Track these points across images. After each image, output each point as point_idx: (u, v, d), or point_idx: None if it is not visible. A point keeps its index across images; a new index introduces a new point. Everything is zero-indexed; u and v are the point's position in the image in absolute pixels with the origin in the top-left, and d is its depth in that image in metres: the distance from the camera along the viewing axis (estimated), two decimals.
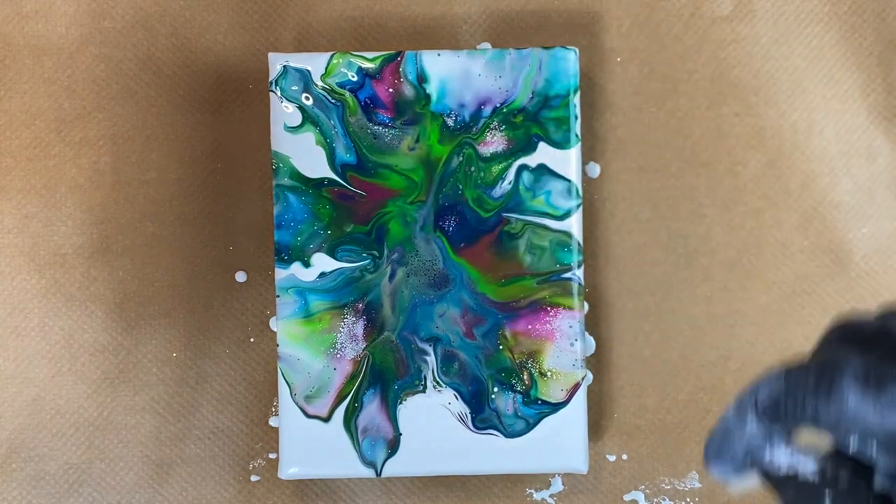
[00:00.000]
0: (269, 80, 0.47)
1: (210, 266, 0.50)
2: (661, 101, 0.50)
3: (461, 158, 0.47)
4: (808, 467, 0.28)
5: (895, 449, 0.25)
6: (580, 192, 0.47)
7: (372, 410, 0.47)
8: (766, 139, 0.50)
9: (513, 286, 0.47)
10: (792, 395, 0.26)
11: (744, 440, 0.28)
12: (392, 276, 0.47)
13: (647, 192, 0.50)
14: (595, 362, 0.50)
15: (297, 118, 0.47)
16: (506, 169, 0.47)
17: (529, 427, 0.47)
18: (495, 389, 0.47)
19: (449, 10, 0.50)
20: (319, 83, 0.47)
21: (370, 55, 0.47)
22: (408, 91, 0.47)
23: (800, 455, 0.28)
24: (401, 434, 0.47)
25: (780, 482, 0.28)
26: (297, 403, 0.46)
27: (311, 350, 0.47)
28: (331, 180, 0.47)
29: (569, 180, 0.47)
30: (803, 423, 0.27)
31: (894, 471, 0.26)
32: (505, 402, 0.47)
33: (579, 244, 0.47)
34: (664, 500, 0.49)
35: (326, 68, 0.47)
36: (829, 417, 0.26)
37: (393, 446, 0.47)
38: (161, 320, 0.50)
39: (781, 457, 0.28)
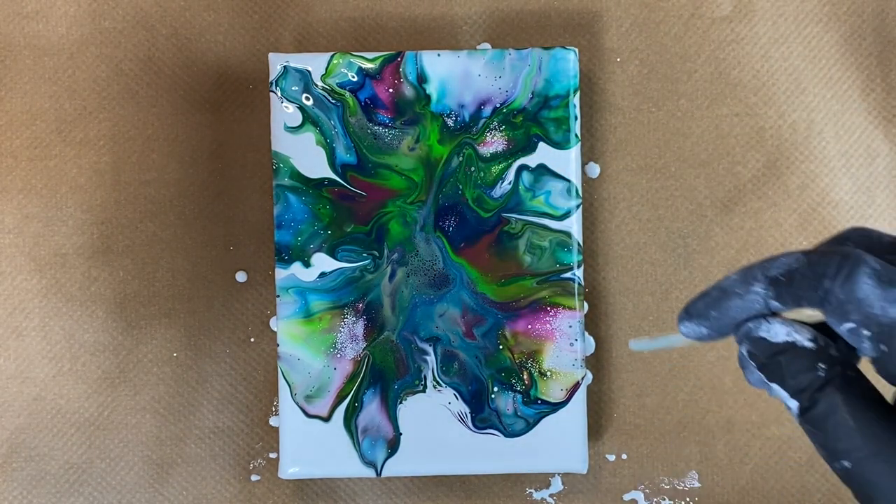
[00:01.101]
0: (270, 80, 0.47)
1: (210, 266, 0.50)
2: (661, 101, 0.50)
3: (461, 158, 0.47)
4: (804, 337, 0.30)
5: (885, 339, 0.28)
6: (580, 192, 0.47)
7: (372, 410, 0.47)
8: (765, 139, 0.50)
9: (513, 286, 0.47)
10: (811, 271, 0.29)
11: (743, 305, 0.30)
12: (392, 276, 0.47)
13: (647, 192, 0.50)
14: (595, 362, 0.50)
15: (297, 118, 0.47)
16: (506, 169, 0.47)
17: (529, 427, 0.47)
18: (495, 389, 0.47)
19: (449, 11, 0.50)
20: (319, 83, 0.47)
21: (370, 55, 0.47)
22: (408, 91, 0.47)
23: (794, 326, 0.30)
24: (401, 434, 0.47)
25: (772, 348, 0.30)
26: (297, 403, 0.46)
27: (311, 350, 0.47)
28: (331, 180, 0.47)
29: (568, 180, 0.47)
30: (808, 300, 0.30)
31: (873, 356, 0.29)
32: (505, 402, 0.47)
33: (579, 244, 0.47)
34: (664, 499, 0.49)
35: (326, 68, 0.47)
36: (838, 299, 0.29)
37: (393, 446, 0.47)
38: (161, 320, 0.50)
39: (779, 326, 0.30)
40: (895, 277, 0.29)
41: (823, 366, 0.30)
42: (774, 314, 0.31)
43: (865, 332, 0.29)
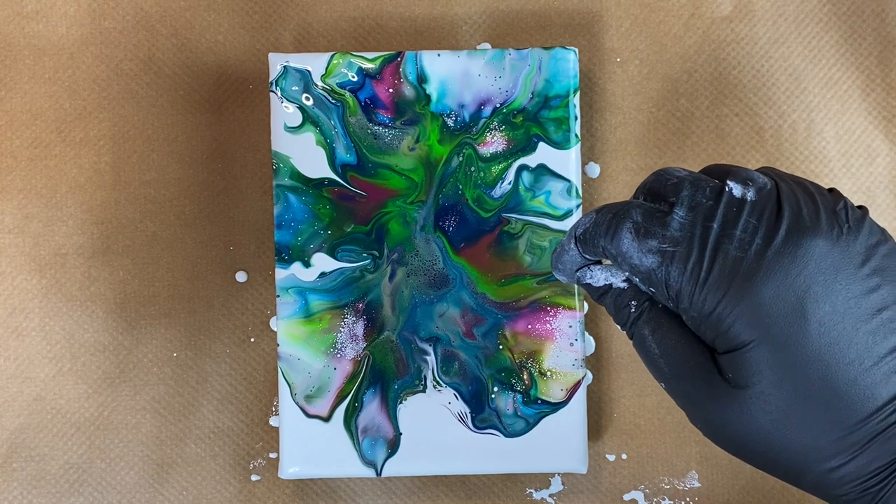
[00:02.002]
0: (270, 80, 0.47)
1: (210, 266, 0.50)
2: (661, 101, 0.50)
3: (461, 158, 0.47)
4: (618, 280, 0.37)
5: (648, 281, 0.34)
6: (580, 192, 0.47)
7: (372, 410, 0.47)
8: (765, 139, 0.50)
9: (512, 286, 0.47)
10: (592, 231, 0.36)
11: (570, 259, 0.37)
12: (392, 276, 0.47)
13: None
14: (595, 362, 0.50)
15: (297, 118, 0.47)
16: (506, 169, 0.47)
17: (529, 427, 0.47)
18: (495, 389, 0.47)
19: (449, 11, 0.50)
20: (319, 83, 0.47)
21: (370, 55, 0.47)
22: (408, 91, 0.47)
23: (611, 271, 0.37)
24: (401, 434, 0.47)
25: (598, 291, 0.37)
26: (297, 403, 0.46)
27: (311, 350, 0.47)
28: (331, 180, 0.47)
29: (568, 180, 0.47)
30: (598, 254, 0.36)
31: (651, 294, 0.35)
32: (505, 402, 0.47)
33: None
34: (664, 499, 0.49)
35: (326, 68, 0.47)
36: (611, 253, 0.35)
37: (393, 446, 0.47)
38: (161, 320, 0.50)
39: (598, 273, 0.37)
40: (651, 228, 0.34)
41: (634, 302, 0.36)
42: (599, 262, 0.37)
43: (635, 278, 0.35)
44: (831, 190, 0.35)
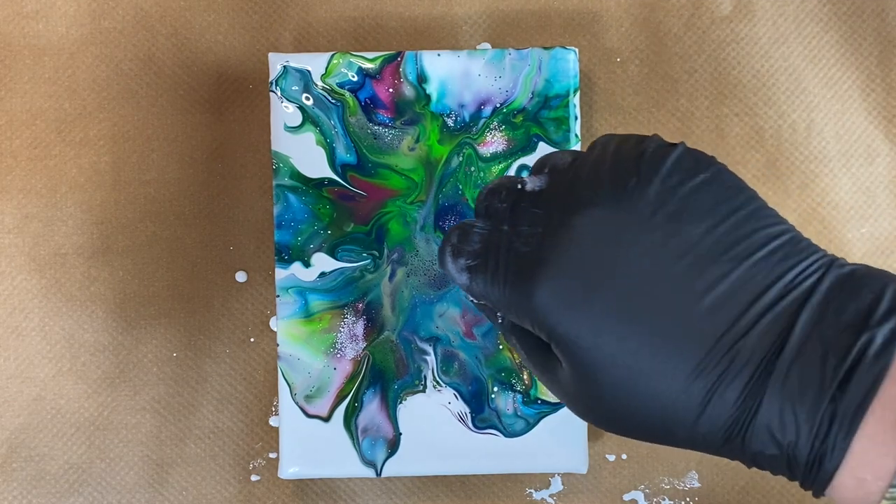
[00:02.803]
0: (270, 80, 0.47)
1: (210, 266, 0.50)
2: (661, 101, 0.50)
3: (461, 158, 0.47)
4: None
5: (473, 296, 0.36)
6: None
7: (372, 410, 0.47)
8: (765, 139, 0.50)
9: None
10: (440, 249, 0.36)
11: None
12: (392, 276, 0.47)
13: None
14: None
15: (297, 118, 0.47)
16: (506, 169, 0.47)
17: (529, 427, 0.47)
18: (495, 389, 0.47)
19: (449, 11, 0.50)
20: (319, 83, 0.47)
21: (370, 55, 0.47)
22: (408, 91, 0.47)
23: None
24: (401, 434, 0.47)
25: (476, 304, 0.37)
26: (297, 403, 0.46)
27: (311, 350, 0.47)
28: (331, 180, 0.47)
29: None
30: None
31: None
32: (505, 402, 0.47)
33: None
34: (664, 499, 0.49)
35: (326, 68, 0.47)
36: (448, 277, 0.36)
37: (393, 446, 0.47)
38: (161, 320, 0.50)
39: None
40: (462, 247, 0.35)
41: (499, 312, 0.36)
42: None
43: (468, 294, 0.36)
44: (644, 139, 0.34)
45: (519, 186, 0.35)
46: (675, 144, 0.34)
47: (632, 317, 0.31)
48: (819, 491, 0.31)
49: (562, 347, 0.33)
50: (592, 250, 0.32)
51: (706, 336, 0.31)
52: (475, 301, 0.37)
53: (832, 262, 0.32)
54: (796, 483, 0.32)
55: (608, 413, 0.33)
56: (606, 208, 0.32)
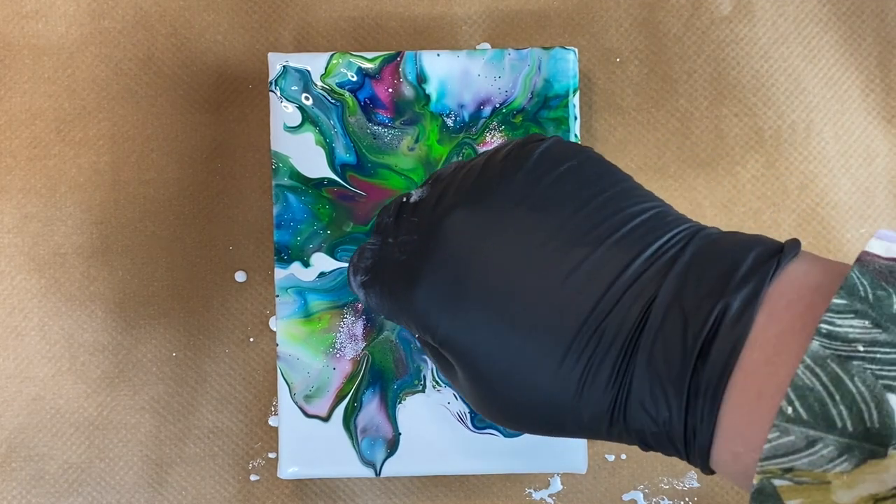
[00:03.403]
0: (269, 80, 0.47)
1: (210, 266, 0.50)
2: (660, 101, 0.50)
3: (460, 158, 0.47)
4: None
5: (370, 309, 0.36)
6: None
7: (371, 410, 0.47)
8: (764, 140, 0.50)
9: None
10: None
11: None
12: None
13: None
14: None
15: (296, 118, 0.47)
16: None
17: None
18: None
19: (449, 11, 0.50)
20: (319, 83, 0.47)
21: (370, 55, 0.47)
22: (407, 91, 0.47)
23: None
24: (400, 434, 0.47)
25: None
26: (296, 403, 0.46)
27: (310, 350, 0.47)
28: (330, 180, 0.47)
29: None
30: None
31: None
32: None
33: None
34: (663, 499, 0.49)
35: (326, 68, 0.47)
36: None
37: (392, 446, 0.47)
38: (160, 320, 0.50)
39: None
40: (359, 265, 0.35)
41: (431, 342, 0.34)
42: None
43: (371, 310, 0.37)
44: (524, 140, 0.34)
45: (404, 199, 0.35)
46: (547, 138, 0.34)
47: (501, 309, 0.31)
48: (704, 467, 0.29)
49: (447, 349, 0.33)
50: (458, 248, 0.32)
51: (571, 319, 0.30)
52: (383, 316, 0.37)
53: (699, 230, 0.31)
54: None
55: (501, 410, 0.32)
56: (470, 207, 0.32)
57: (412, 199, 0.35)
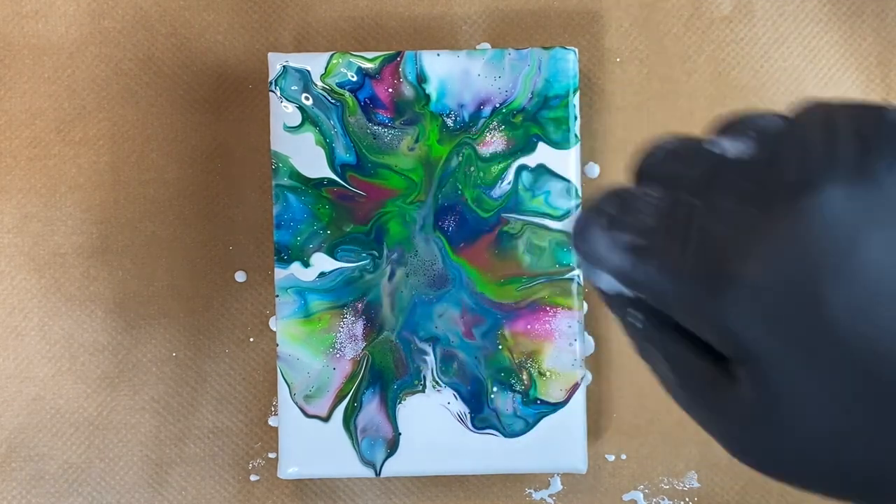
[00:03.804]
0: (269, 80, 0.47)
1: (210, 266, 0.50)
2: (661, 101, 0.50)
3: (460, 158, 0.47)
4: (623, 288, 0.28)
5: (629, 284, 0.27)
6: (580, 193, 0.47)
7: (371, 410, 0.47)
8: None
9: (512, 286, 0.47)
10: (573, 234, 0.28)
11: (580, 262, 0.30)
12: (391, 276, 0.47)
13: None
14: (594, 362, 0.50)
15: (296, 118, 0.47)
16: (505, 169, 0.47)
17: (528, 427, 0.47)
18: (494, 389, 0.47)
19: (449, 10, 0.50)
20: (319, 83, 0.47)
21: (370, 55, 0.47)
22: (407, 91, 0.47)
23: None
24: (400, 434, 0.47)
25: (605, 297, 0.29)
26: (296, 403, 0.46)
27: (310, 350, 0.47)
28: (330, 180, 0.47)
29: (568, 180, 0.47)
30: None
31: (635, 296, 0.28)
32: (504, 402, 0.47)
33: None
34: (663, 499, 0.49)
35: (326, 68, 0.47)
36: (588, 256, 0.28)
37: (392, 446, 0.47)
38: (161, 320, 0.50)
39: (605, 275, 0.28)
40: (623, 220, 0.27)
41: (639, 312, 0.28)
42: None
43: (616, 280, 0.28)
44: (881, 108, 0.25)
45: (717, 151, 0.27)
46: None
47: (861, 350, 0.23)
48: None
49: (756, 371, 0.25)
50: (826, 240, 0.23)
51: None
52: (605, 292, 0.29)
53: None
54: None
55: (797, 464, 0.25)
56: (845, 191, 0.24)
57: (733, 154, 0.26)
